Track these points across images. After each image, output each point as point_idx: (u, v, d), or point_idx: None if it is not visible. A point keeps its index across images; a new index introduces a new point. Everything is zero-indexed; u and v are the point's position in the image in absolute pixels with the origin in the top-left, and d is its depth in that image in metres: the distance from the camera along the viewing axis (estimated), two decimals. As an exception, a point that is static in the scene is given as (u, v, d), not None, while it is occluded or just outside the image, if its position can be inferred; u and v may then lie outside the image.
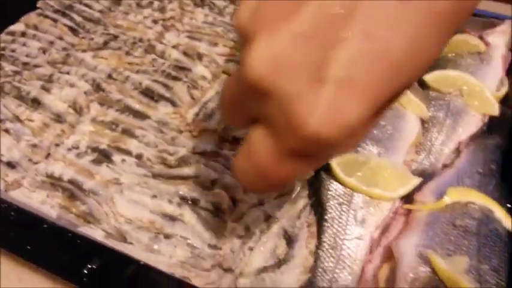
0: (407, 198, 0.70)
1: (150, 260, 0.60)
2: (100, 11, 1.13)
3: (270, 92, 0.32)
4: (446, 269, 0.53)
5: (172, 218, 0.66)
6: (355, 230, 0.64)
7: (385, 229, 0.67)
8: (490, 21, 1.02)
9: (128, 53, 0.98)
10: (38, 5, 1.12)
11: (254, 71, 0.32)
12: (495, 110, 0.83)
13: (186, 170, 0.72)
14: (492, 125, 0.84)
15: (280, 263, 0.62)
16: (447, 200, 0.64)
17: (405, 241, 0.60)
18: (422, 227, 0.62)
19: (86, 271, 0.52)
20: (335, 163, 0.69)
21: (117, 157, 0.75)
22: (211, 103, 0.86)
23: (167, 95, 0.86)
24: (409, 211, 0.67)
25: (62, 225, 0.59)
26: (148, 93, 0.86)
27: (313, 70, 0.31)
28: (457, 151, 0.79)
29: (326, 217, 0.65)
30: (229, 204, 0.68)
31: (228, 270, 0.61)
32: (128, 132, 0.79)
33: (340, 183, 0.68)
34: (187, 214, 0.67)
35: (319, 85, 0.31)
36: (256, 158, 0.36)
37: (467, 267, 0.55)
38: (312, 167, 0.39)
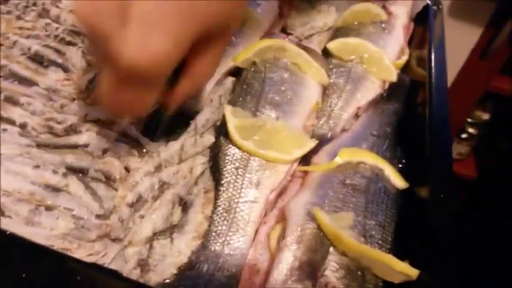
0: (305, 162, 0.71)
1: (26, 233, 0.55)
2: (-11, -28, 1.02)
3: (94, 33, 0.43)
4: (330, 224, 0.53)
5: (56, 189, 0.61)
6: (250, 192, 0.63)
7: (281, 191, 0.67)
8: (393, -9, 1.05)
9: (18, 17, 0.89)
10: None
11: (79, 14, 0.44)
12: (394, 76, 0.86)
13: (75, 139, 0.67)
14: (391, 91, 0.87)
15: (172, 229, 0.60)
16: (339, 160, 0.65)
17: (295, 200, 0.60)
18: (314, 186, 0.62)
19: None
20: (232, 127, 0.67)
21: (-3, 127, 0.68)
22: (108, 70, 0.81)
23: (59, 60, 0.80)
24: (306, 173, 0.68)
25: None
26: (37, 59, 0.79)
27: (121, 12, 0.40)
28: (356, 116, 0.81)
29: (222, 182, 0.64)
30: (122, 173, 0.65)
31: (116, 240, 0.58)
32: (11, 100, 0.72)
33: (237, 147, 0.67)
34: (74, 184, 0.62)
35: (128, 24, 0.40)
36: (102, 88, 0.51)
37: (353, 222, 0.56)
38: (149, 94, 0.51)
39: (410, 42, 1.01)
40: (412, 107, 0.84)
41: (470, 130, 1.99)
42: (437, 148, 0.68)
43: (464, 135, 2.01)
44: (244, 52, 0.81)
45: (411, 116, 0.82)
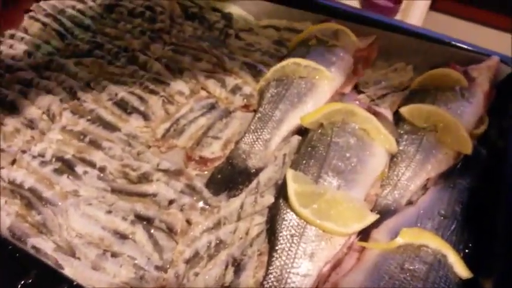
0: (365, 234, 0.69)
1: (93, 278, 0.60)
2: (91, 17, 1.15)
3: None
4: (381, 316, 0.52)
5: (123, 236, 0.66)
6: (303, 263, 0.63)
7: (336, 264, 0.66)
8: (477, 56, 1.01)
9: (110, 62, 0.99)
10: (31, 8, 1.14)
11: None
12: (469, 149, 0.82)
13: (145, 188, 0.72)
14: (465, 165, 0.82)
15: (223, 291, 0.61)
16: (400, 241, 0.63)
17: (349, 280, 0.59)
18: (370, 267, 0.61)
19: (19, 286, 0.53)
20: (292, 193, 0.68)
21: (80, 168, 0.75)
22: (183, 119, 0.86)
23: (141, 108, 0.87)
24: (364, 248, 0.66)
25: (2, 237, 0.59)
26: (122, 105, 0.87)
27: None
28: (425, 188, 0.78)
29: (276, 248, 0.65)
30: (183, 226, 0.68)
31: (171, 294, 0.61)
32: (95, 144, 0.79)
33: (295, 213, 0.67)
34: (139, 233, 0.66)
35: None
36: None
37: (407, 314, 0.54)
38: None
39: (490, 111, 0.95)
40: (487, 184, 0.79)
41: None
42: (507, 236, 0.64)
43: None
44: (312, 113, 0.82)
45: (485, 194, 0.77)
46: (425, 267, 0.60)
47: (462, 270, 0.62)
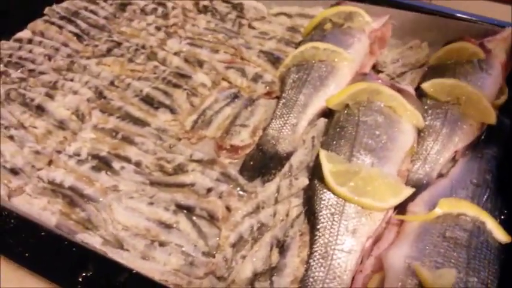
0: (401, 208, 0.70)
1: (144, 267, 0.62)
2: (105, 18, 1.15)
3: None
4: (432, 281, 0.53)
5: (167, 226, 0.68)
6: (346, 240, 0.64)
7: (377, 239, 0.67)
8: (491, 28, 1.01)
9: (130, 60, 1.00)
10: (44, 12, 1.15)
11: None
12: (493, 119, 0.83)
13: (182, 178, 0.74)
14: (490, 134, 0.84)
15: (271, 271, 0.63)
16: (438, 211, 0.64)
17: (394, 252, 0.61)
18: (413, 238, 0.62)
19: (80, 279, 0.54)
20: (328, 172, 0.70)
21: (116, 164, 0.76)
22: (209, 110, 0.87)
23: (167, 102, 0.88)
24: (402, 221, 0.68)
25: (58, 233, 0.61)
26: (148, 101, 0.88)
27: None
28: (453, 160, 0.80)
29: (318, 226, 0.66)
30: (224, 213, 0.70)
31: (221, 278, 0.63)
32: (127, 140, 0.81)
33: (332, 192, 0.69)
34: (183, 222, 0.68)
35: None
36: None
37: (455, 279, 0.56)
38: None
39: (509, 80, 0.96)
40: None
41: None
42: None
43: None
44: (338, 95, 0.83)
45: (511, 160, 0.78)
46: (466, 234, 0.62)
47: (501, 235, 0.64)
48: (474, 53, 0.93)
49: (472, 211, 0.65)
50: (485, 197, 0.70)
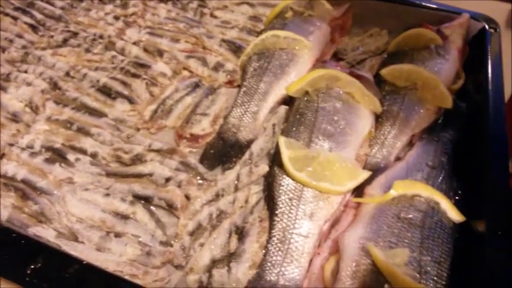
0: (359, 192, 0.71)
1: (99, 259, 0.60)
2: (62, 8, 1.12)
3: None
4: (385, 261, 0.54)
5: (124, 217, 0.66)
6: (304, 224, 0.65)
7: (335, 222, 0.68)
8: (448, 15, 1.03)
9: (87, 50, 0.97)
10: (-2, 3, 1.11)
11: None
12: (449, 103, 0.85)
13: (140, 168, 0.72)
14: (446, 118, 0.85)
15: (230, 258, 0.63)
16: (393, 193, 0.65)
17: (350, 234, 0.61)
18: (368, 219, 0.63)
19: (29, 271, 0.53)
20: (286, 158, 0.70)
21: (71, 156, 0.74)
22: (169, 100, 0.86)
23: (125, 92, 0.86)
24: (359, 204, 0.69)
25: (5, 226, 0.59)
26: (105, 91, 0.86)
27: None
28: (411, 144, 0.81)
29: (277, 212, 0.66)
30: (183, 201, 0.69)
31: (178, 266, 0.62)
32: (83, 131, 0.79)
33: (291, 178, 0.69)
34: (140, 212, 0.67)
35: None
36: None
37: (408, 259, 0.57)
38: None
39: (465, 66, 0.99)
40: (469, 134, 0.83)
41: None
42: (494, 180, 0.67)
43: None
44: (297, 82, 0.83)
45: (468, 144, 0.80)
46: (420, 214, 0.63)
47: (455, 215, 0.65)
48: (431, 39, 0.95)
49: (426, 192, 0.66)
50: (440, 178, 0.72)
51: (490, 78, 0.88)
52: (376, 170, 0.74)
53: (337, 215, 0.68)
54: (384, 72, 0.88)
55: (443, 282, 0.57)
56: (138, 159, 0.74)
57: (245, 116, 0.84)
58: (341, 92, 0.81)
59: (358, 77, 0.84)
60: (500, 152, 0.71)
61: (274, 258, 0.62)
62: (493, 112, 0.79)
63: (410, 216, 0.63)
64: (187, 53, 0.97)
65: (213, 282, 0.60)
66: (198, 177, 0.73)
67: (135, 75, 0.90)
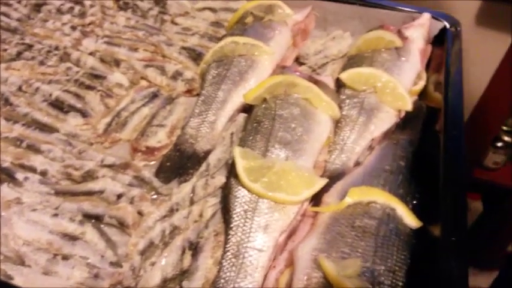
0: (318, 200, 0.70)
1: (45, 284, 0.58)
2: (18, 20, 1.09)
3: None
4: (335, 274, 0.53)
5: (72, 237, 0.64)
6: (258, 236, 0.63)
7: (292, 233, 0.67)
8: (410, 15, 1.03)
9: (41, 63, 0.95)
10: (-51, 16, 1.07)
11: None
12: (408, 105, 0.84)
13: (91, 185, 0.70)
14: (407, 120, 0.85)
15: (182, 276, 0.61)
16: (349, 200, 0.64)
17: (303, 245, 0.60)
18: (322, 229, 0.62)
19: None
20: (241, 169, 0.68)
21: (20, 175, 0.72)
22: (125, 112, 0.84)
23: (78, 105, 0.84)
24: (317, 212, 0.67)
25: None
26: (57, 105, 0.84)
27: None
28: (371, 148, 0.80)
29: (231, 225, 0.65)
30: (135, 218, 0.67)
31: None
32: (33, 148, 0.76)
33: (246, 189, 0.67)
34: (90, 232, 0.65)
35: None
36: None
37: (361, 269, 0.55)
38: None
39: (428, 66, 0.99)
40: (428, 136, 0.82)
41: (506, 138, 1.91)
42: (450, 184, 0.67)
43: (499, 144, 1.92)
44: (255, 89, 0.82)
45: (427, 146, 0.80)
46: (375, 222, 0.62)
47: (411, 220, 0.64)
48: (391, 41, 0.94)
49: (382, 198, 0.65)
50: (398, 183, 0.71)
51: (449, 78, 0.87)
52: (335, 177, 0.73)
53: (294, 226, 0.67)
54: (343, 76, 0.87)
55: (398, 292, 0.56)
56: (89, 175, 0.72)
57: (203, 125, 0.82)
58: (299, 97, 0.80)
59: (317, 82, 0.83)
60: (457, 153, 0.71)
61: (227, 274, 0.60)
62: (451, 113, 0.79)
63: (365, 224, 0.61)
64: (146, 62, 0.95)
65: (164, 303, 0.58)
66: (153, 192, 0.71)
67: (89, 87, 0.87)
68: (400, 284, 0.57)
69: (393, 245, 0.60)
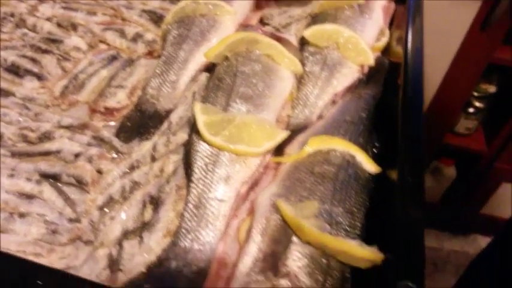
0: (280, 152, 0.70)
1: (3, 242, 0.57)
2: (-31, -13, 1.04)
3: None
4: (291, 214, 0.53)
5: (29, 196, 0.63)
6: (219, 188, 0.63)
7: (254, 184, 0.67)
8: (372, -27, 1.03)
9: (-4, 30, 0.91)
10: None
11: None
12: (371, 60, 0.85)
13: (47, 146, 0.68)
14: (370, 75, 0.85)
15: (142, 228, 0.60)
16: (308, 149, 0.64)
17: (263, 193, 0.60)
18: (282, 177, 0.62)
19: None
20: (201, 124, 0.67)
21: (-26, 139, 0.70)
22: (82, 74, 0.82)
23: (34, 69, 0.81)
24: (279, 164, 0.68)
25: None
26: (13, 70, 0.81)
27: None
28: (334, 103, 0.80)
29: (193, 178, 0.64)
30: (94, 176, 0.66)
31: (88, 242, 0.59)
32: (-13, 112, 0.74)
33: (207, 143, 0.67)
34: (47, 191, 0.63)
35: None
36: None
37: (318, 211, 0.56)
38: None
39: (392, 23, 0.99)
40: (390, 89, 0.83)
41: (477, 104, 1.93)
42: (407, 131, 0.67)
43: (471, 110, 1.94)
44: (215, 47, 0.81)
45: (389, 99, 0.80)
46: (334, 168, 0.62)
47: (370, 166, 0.65)
48: (354, -2, 0.94)
49: (342, 146, 0.66)
50: (358, 132, 0.71)
51: (409, 35, 0.87)
52: (297, 130, 0.74)
53: (256, 178, 0.67)
54: (307, 33, 0.87)
55: (357, 232, 0.57)
56: (45, 137, 0.70)
57: (164, 85, 0.81)
58: (261, 55, 0.79)
59: (279, 39, 0.82)
60: (416, 104, 0.71)
61: (189, 224, 0.60)
62: (411, 67, 0.79)
63: (324, 170, 0.62)
64: (105, 25, 0.93)
65: (123, 254, 0.57)
66: (113, 151, 0.70)
67: (46, 51, 0.85)
68: (359, 224, 0.58)
69: (352, 188, 0.61)
